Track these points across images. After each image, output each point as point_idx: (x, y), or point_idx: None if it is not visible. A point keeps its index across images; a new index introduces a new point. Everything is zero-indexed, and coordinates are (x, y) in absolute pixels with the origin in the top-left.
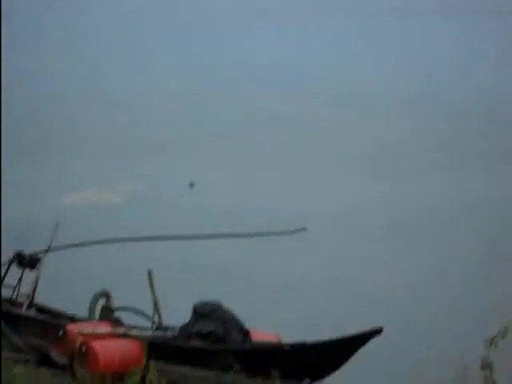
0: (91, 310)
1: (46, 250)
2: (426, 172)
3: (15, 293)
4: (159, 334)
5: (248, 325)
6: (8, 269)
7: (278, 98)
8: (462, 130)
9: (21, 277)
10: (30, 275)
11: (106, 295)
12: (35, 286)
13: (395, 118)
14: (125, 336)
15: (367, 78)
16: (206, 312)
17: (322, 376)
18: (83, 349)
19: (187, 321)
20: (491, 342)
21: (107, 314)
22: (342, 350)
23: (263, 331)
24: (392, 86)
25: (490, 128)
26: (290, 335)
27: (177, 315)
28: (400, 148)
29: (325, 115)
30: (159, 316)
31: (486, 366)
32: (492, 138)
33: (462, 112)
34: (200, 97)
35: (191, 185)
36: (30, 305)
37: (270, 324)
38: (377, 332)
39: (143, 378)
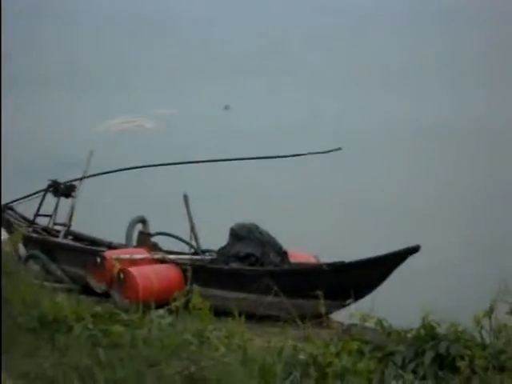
0: (128, 236)
1: (81, 178)
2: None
3: (51, 221)
4: (197, 257)
5: (285, 246)
6: (44, 197)
7: (309, 16)
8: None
9: (56, 205)
10: (66, 203)
11: (142, 221)
12: (71, 214)
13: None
14: (163, 261)
15: None
16: (243, 234)
17: (361, 295)
18: (121, 275)
19: (225, 244)
20: None
21: (144, 239)
22: (380, 268)
23: (301, 252)
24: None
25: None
26: (328, 255)
27: (215, 238)
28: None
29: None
30: (196, 240)
31: None
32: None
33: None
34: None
35: (226, 107)
36: (67, 233)
37: (307, 246)
38: (414, 250)
39: (187, 303)
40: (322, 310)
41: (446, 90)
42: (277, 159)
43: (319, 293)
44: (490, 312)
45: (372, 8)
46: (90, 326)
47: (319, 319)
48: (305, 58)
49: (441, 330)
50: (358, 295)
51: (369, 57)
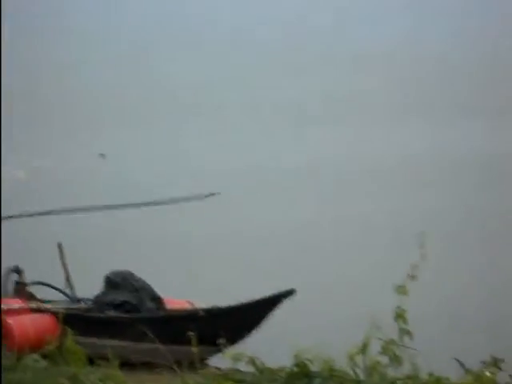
0: (3, 286)
1: None
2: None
3: None
4: (74, 306)
5: (162, 293)
6: None
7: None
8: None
9: None
10: None
11: (17, 271)
12: None
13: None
14: (39, 310)
15: None
16: (118, 281)
17: (238, 339)
18: None
19: (100, 291)
20: (399, 290)
21: (21, 289)
22: (256, 312)
23: (176, 299)
24: None
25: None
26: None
27: (91, 286)
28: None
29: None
30: (72, 288)
31: (399, 315)
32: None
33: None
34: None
35: (102, 156)
36: None
37: (186, 292)
38: (289, 293)
39: (60, 347)
40: (197, 355)
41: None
42: (155, 206)
43: (193, 338)
44: (363, 349)
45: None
46: None
47: (195, 365)
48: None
49: (314, 368)
50: (235, 339)
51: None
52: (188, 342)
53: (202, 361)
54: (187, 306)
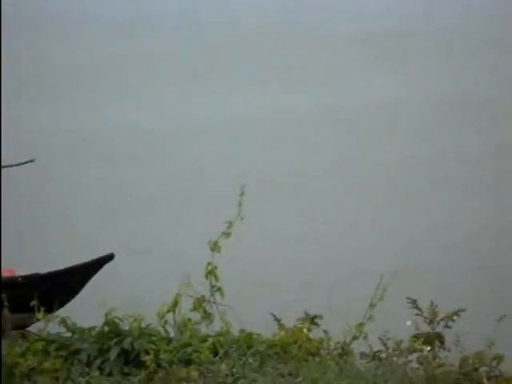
0: None
1: None
2: None
3: None
4: None
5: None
6: None
7: None
8: None
9: None
10: None
11: None
12: None
13: None
14: None
15: None
16: None
17: (61, 304)
18: None
19: None
20: (213, 247)
21: None
22: (76, 277)
23: None
24: None
25: None
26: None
27: None
28: None
29: None
30: None
31: (210, 271)
32: None
33: None
34: None
35: None
36: None
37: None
38: (109, 258)
39: None
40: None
41: None
42: None
43: (11, 305)
44: (173, 306)
45: None
46: None
47: (18, 331)
48: None
49: (125, 326)
50: (59, 304)
51: None
52: (10, 310)
53: (25, 327)
54: (7, 274)
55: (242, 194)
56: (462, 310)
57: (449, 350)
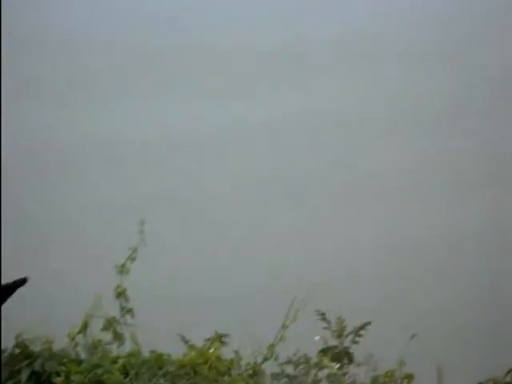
0: None
1: None
2: None
3: None
4: None
5: None
6: None
7: None
8: None
9: None
10: None
11: None
12: None
13: None
14: None
15: None
16: None
17: None
18: None
19: None
20: (121, 270)
21: None
22: None
23: None
24: None
25: None
26: None
27: None
28: None
29: None
30: None
31: (120, 293)
32: None
33: None
34: None
35: None
36: None
37: None
38: (23, 282)
39: None
40: None
41: None
42: None
43: None
44: (83, 328)
45: None
46: None
47: None
48: None
49: (35, 348)
50: None
51: None
52: None
53: None
54: None
55: (142, 223)
56: (368, 324)
57: (358, 365)
